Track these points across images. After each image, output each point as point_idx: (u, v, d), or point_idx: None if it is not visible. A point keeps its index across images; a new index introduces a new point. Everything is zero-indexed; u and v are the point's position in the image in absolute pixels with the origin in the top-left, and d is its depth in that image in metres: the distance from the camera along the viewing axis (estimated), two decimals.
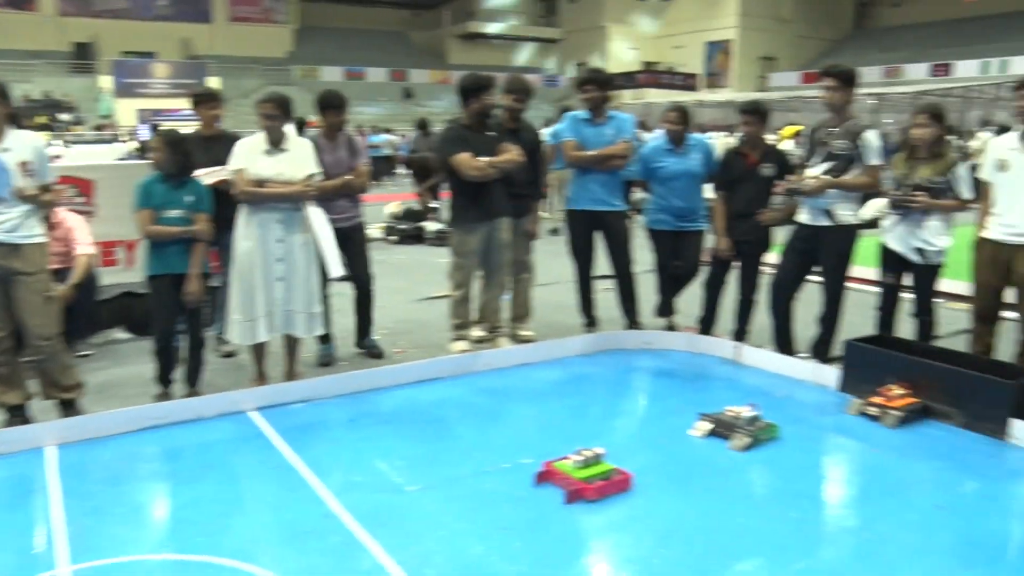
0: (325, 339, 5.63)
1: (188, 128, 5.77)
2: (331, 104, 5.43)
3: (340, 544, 3.16)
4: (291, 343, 5.08)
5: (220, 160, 5.12)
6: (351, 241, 5.54)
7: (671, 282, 6.20)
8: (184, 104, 10.72)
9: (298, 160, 4.85)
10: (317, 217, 5.10)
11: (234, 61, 40.67)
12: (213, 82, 30.11)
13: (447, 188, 5.80)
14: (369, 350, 5.76)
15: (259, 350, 4.99)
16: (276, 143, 4.84)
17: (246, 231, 4.79)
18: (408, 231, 11.23)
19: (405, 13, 51.33)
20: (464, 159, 5.39)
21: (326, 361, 5.60)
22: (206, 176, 5.06)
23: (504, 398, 4.92)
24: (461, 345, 5.72)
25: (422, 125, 14.82)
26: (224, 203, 4.93)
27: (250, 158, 4.78)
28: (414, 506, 3.46)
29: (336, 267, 5.14)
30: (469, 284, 5.72)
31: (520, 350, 5.65)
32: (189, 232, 4.63)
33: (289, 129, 4.97)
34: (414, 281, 8.18)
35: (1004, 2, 35.44)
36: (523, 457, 3.87)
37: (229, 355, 5.71)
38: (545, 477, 3.62)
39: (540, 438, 4.23)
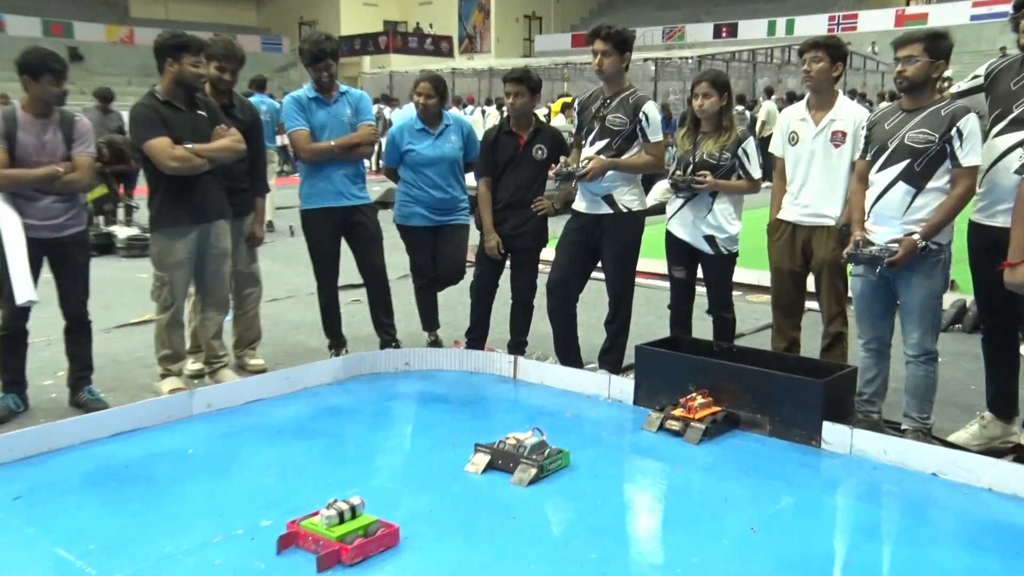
0: (10, 386, 5.23)
1: None
2: (45, 67, 4.91)
3: None
4: None
5: None
6: (64, 258, 5.19)
7: (432, 288, 6.28)
8: None
9: None
10: (7, 222, 4.75)
11: None
12: None
13: (145, 182, 5.53)
14: (87, 405, 5.23)
15: None
16: None
17: None
18: (92, 238, 10.60)
19: None
20: (161, 146, 5.15)
21: (4, 416, 5.12)
22: None
23: (233, 445, 4.75)
24: (172, 383, 5.48)
25: (102, 97, 13.76)
26: None
27: None
28: None
29: (24, 291, 4.77)
30: (179, 304, 5.49)
31: (250, 383, 5.49)
32: None
33: None
34: (102, 304, 7.73)
35: None
36: (262, 519, 3.75)
37: None
38: (291, 540, 3.53)
39: (282, 492, 4.11)
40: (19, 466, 4.38)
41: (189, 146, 5.22)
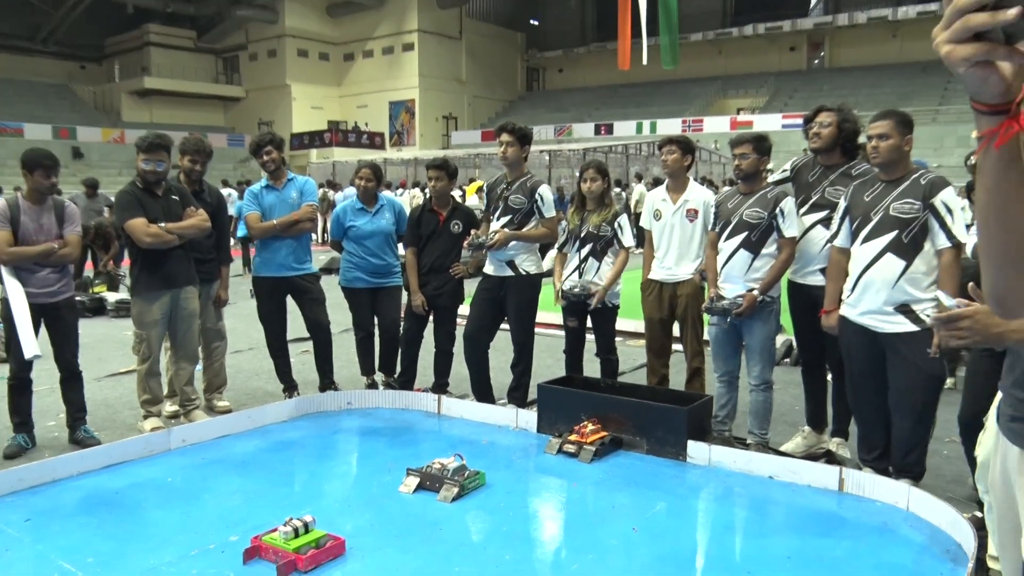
0: (20, 427, 5.05)
1: None
2: (38, 164, 4.93)
3: None
4: None
5: None
6: (58, 319, 5.07)
7: (370, 340, 6.22)
8: None
9: None
10: (13, 290, 4.68)
11: None
12: None
13: (128, 255, 5.44)
14: (83, 442, 5.08)
15: None
16: None
17: None
18: (87, 302, 10.33)
19: (70, 65, 47.33)
20: (138, 225, 5.12)
21: (14, 452, 4.95)
22: None
23: (204, 474, 4.62)
24: (152, 423, 5.34)
25: (89, 186, 13.60)
26: None
27: None
28: None
29: (30, 347, 4.67)
30: (155, 356, 5.37)
31: (217, 421, 5.36)
32: None
33: None
34: (95, 357, 7.51)
35: (650, 73, 39.74)
36: (230, 535, 3.66)
37: None
38: (254, 553, 3.44)
39: (246, 512, 4.02)
40: (28, 494, 4.25)
41: (162, 225, 5.18)
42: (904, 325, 3.97)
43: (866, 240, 4.06)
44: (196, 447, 5.02)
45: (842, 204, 4.26)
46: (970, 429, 3.70)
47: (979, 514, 3.69)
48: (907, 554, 3.61)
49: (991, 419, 2.16)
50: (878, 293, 4.01)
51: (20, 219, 4.93)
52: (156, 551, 3.57)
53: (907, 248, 3.94)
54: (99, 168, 33.79)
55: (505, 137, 5.50)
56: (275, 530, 3.47)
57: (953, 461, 4.70)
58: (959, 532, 3.60)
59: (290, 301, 6.07)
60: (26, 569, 3.49)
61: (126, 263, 6.14)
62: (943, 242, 3.88)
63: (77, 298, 10.71)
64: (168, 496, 4.29)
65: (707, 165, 31.34)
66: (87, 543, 3.68)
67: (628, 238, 5.53)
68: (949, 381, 6.31)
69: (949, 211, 3.87)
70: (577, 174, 5.81)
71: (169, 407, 5.75)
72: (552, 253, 6.54)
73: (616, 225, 5.46)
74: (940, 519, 3.78)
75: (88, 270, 11.70)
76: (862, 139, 4.44)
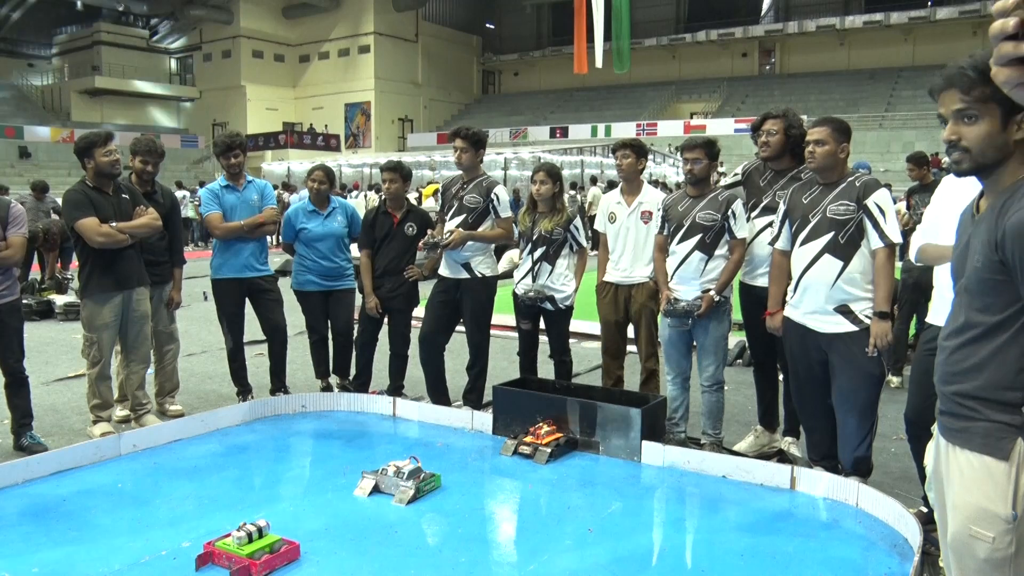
0: None
1: None
2: None
3: None
4: None
5: None
6: (1, 323, 4.91)
7: (324, 344, 6.16)
8: None
9: None
10: None
11: None
12: None
13: (76, 256, 5.31)
14: (29, 448, 4.96)
15: None
16: None
17: None
18: (34, 305, 10.09)
19: (17, 62, 46.20)
20: (89, 224, 4.99)
21: None
22: None
23: (156, 479, 4.53)
24: (103, 427, 5.22)
25: (37, 188, 13.38)
26: None
27: None
28: None
29: None
30: (106, 360, 5.25)
31: (170, 426, 5.26)
32: None
33: None
34: (44, 361, 7.36)
35: (605, 77, 39.98)
36: (182, 541, 3.60)
37: None
38: (207, 559, 3.39)
39: (199, 518, 3.94)
40: None
41: (114, 224, 5.06)
42: (843, 325, 4.04)
43: (805, 242, 4.13)
44: (148, 452, 4.92)
45: (781, 207, 4.33)
46: (916, 426, 3.77)
47: (924, 509, 3.77)
48: (856, 549, 3.67)
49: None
50: (817, 294, 4.08)
51: None
52: (106, 559, 3.49)
53: (844, 249, 4.01)
54: (48, 168, 33.18)
55: (459, 143, 5.49)
56: (228, 535, 3.42)
57: (900, 458, 4.78)
58: (906, 527, 3.67)
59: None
60: None
61: (74, 265, 6.00)
62: (876, 242, 3.97)
63: (24, 301, 10.48)
64: (118, 502, 4.19)
65: (661, 168, 31.64)
66: (32, 552, 3.57)
67: (584, 240, 5.57)
68: (896, 380, 6.45)
69: (882, 212, 3.96)
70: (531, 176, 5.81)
71: (119, 412, 5.63)
72: (510, 254, 6.54)
73: (572, 228, 5.48)
74: (887, 515, 3.86)
75: (34, 272, 11.44)
76: None
